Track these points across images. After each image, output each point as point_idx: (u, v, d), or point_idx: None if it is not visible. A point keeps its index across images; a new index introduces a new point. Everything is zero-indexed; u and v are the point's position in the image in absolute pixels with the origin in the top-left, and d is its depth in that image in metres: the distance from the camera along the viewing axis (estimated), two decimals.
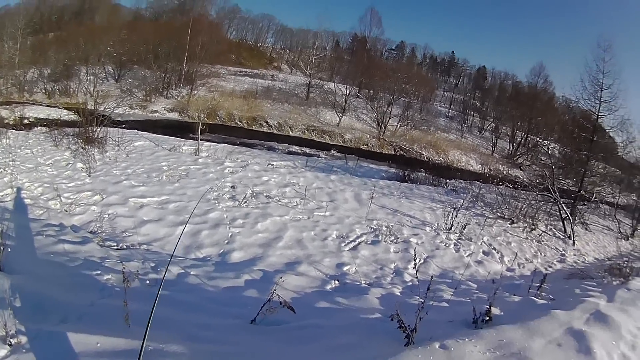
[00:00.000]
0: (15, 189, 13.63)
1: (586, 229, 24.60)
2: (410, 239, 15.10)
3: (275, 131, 39.22)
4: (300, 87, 54.85)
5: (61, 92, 35.11)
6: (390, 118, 43.89)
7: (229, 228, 13.14)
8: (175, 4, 69.72)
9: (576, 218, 23.51)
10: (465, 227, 17.07)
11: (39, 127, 22.56)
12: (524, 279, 13.75)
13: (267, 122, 39.96)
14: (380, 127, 43.06)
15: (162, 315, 4.75)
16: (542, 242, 19.25)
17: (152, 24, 55.89)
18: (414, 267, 11.36)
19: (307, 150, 33.44)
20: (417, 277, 7.00)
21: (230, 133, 33.52)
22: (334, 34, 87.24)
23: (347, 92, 49.40)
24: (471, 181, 30.43)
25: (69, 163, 17.11)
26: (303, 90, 53.11)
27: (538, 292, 9.80)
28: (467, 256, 14.89)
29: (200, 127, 24.31)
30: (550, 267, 16.60)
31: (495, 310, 6.24)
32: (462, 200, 21.94)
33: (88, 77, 37.90)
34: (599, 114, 27.87)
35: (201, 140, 24.05)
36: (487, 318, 6.08)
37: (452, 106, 72.89)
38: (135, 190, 15.04)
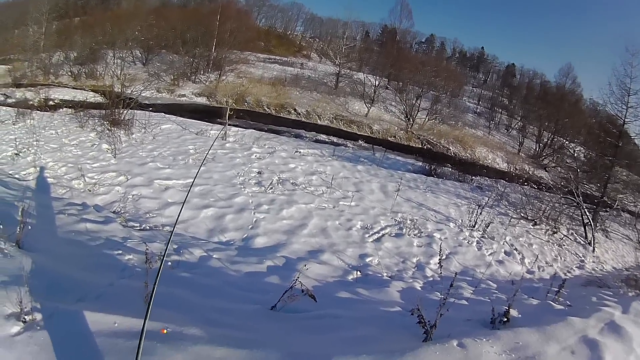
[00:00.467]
0: (38, 169, 13.76)
1: (606, 237, 24.35)
2: (434, 234, 15.07)
3: (303, 119, 39.04)
4: (329, 76, 54.41)
5: (87, 75, 35.22)
6: (418, 111, 43.59)
7: (254, 213, 13.17)
8: None
9: (597, 224, 23.19)
10: (488, 226, 17.01)
11: (64, 109, 22.66)
12: (542, 282, 13.68)
13: (295, 110, 39.78)
14: (409, 119, 42.82)
15: (182, 297, 4.98)
16: (563, 247, 19.10)
17: (179, 10, 56.19)
18: (438, 263, 11.39)
19: (335, 139, 33.21)
20: (441, 273, 6.91)
21: (258, 119, 33.28)
22: (364, 25, 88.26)
23: (377, 83, 49.07)
24: (496, 179, 30.18)
25: (94, 144, 17.21)
26: (332, 79, 52.74)
27: (556, 296, 9.77)
28: (488, 255, 14.81)
29: (228, 112, 24.30)
30: (569, 272, 16.53)
31: (513, 312, 6.24)
32: (486, 198, 21.86)
33: (115, 61, 37.97)
34: (626, 120, 27.27)
35: (229, 125, 24.03)
36: (505, 319, 6.07)
37: (480, 102, 72.22)
38: (161, 173, 15.10)
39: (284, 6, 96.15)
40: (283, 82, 46.28)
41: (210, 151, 18.30)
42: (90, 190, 12.83)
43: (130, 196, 12.70)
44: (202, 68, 42.92)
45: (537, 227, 20.06)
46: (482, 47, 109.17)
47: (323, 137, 33.13)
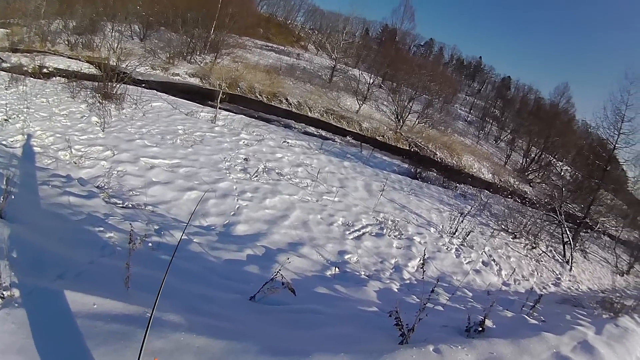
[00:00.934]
0: (26, 136, 13.61)
1: (585, 257, 24.67)
2: (414, 237, 15.20)
3: (294, 109, 38.93)
4: (324, 69, 54.60)
5: (84, 46, 34.88)
6: (409, 113, 43.56)
7: (237, 200, 13.18)
8: None
9: (577, 244, 23.50)
10: (469, 234, 17.15)
11: (58, 77, 22.44)
12: (518, 295, 13.83)
13: (287, 100, 39.66)
14: (399, 120, 42.82)
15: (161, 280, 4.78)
16: (541, 262, 19.35)
17: None
18: (421, 267, 11.59)
19: (324, 132, 33.31)
20: (423, 278, 7.06)
21: (249, 105, 33.41)
22: (365, 22, 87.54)
23: (371, 81, 49.22)
24: (480, 189, 30.43)
25: (84, 116, 17.04)
26: (327, 72, 52.77)
27: (531, 311, 9.81)
28: (466, 263, 14.99)
29: (220, 95, 24.39)
30: (545, 288, 16.76)
31: (488, 323, 6.37)
32: (469, 207, 22.05)
33: (113, 33, 37.74)
34: (616, 145, 27.66)
35: (219, 108, 24.02)
36: (480, 329, 6.20)
37: (472, 111, 72.76)
38: (148, 151, 15.00)
39: None
40: (278, 71, 46.05)
41: (198, 133, 18.53)
42: (75, 163, 12.72)
43: (115, 172, 12.61)
44: (198, 49, 42.55)
45: (517, 240, 20.29)
46: (480, 57, 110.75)
47: (312, 129, 33.24)
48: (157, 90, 25.32)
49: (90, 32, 37.24)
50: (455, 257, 15.12)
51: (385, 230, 14.78)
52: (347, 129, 38.59)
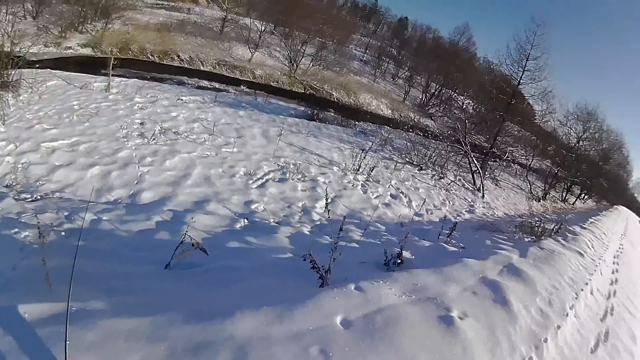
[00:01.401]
0: None
1: (497, 185, 25.91)
2: (318, 178, 15.61)
3: (186, 65, 38.45)
4: (215, 21, 53.73)
5: None
6: (303, 57, 43.99)
7: (138, 167, 13.06)
8: None
9: (486, 173, 24.56)
10: (373, 170, 17.72)
11: None
12: (432, 225, 14.41)
13: (178, 56, 39.10)
14: (292, 65, 43.15)
15: (80, 268, 4.73)
16: (451, 192, 20.22)
17: None
18: (325, 207, 11.87)
19: (217, 85, 33.12)
20: (329, 217, 7.27)
21: (142, 67, 32.57)
22: None
23: (262, 28, 49.11)
24: (380, 125, 31.38)
25: None
26: (218, 24, 52.00)
27: (448, 239, 10.29)
28: (374, 198, 15.52)
29: (111, 62, 23.82)
30: (459, 216, 17.55)
31: (406, 254, 6.69)
32: (370, 143, 22.59)
33: (7, 17, 36.33)
34: (521, 81, 29.22)
35: (113, 75, 23.53)
36: (399, 261, 6.48)
37: (367, 51, 72.88)
38: (47, 134, 14.50)
39: None
40: (168, 28, 45.20)
41: (93, 105, 18.12)
42: None
43: (20, 165, 12.10)
44: (90, 17, 40.36)
45: (424, 172, 21.13)
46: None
47: (205, 83, 32.95)
48: (51, 69, 24.06)
49: None
50: (362, 193, 15.67)
51: (288, 175, 15.10)
52: (241, 78, 38.53)
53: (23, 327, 3.63)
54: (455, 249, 8.81)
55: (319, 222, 11.93)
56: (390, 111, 43.04)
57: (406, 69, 62.15)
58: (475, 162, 23.49)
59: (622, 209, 47.52)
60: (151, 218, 9.35)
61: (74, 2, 39.13)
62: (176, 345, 3.66)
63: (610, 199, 55.23)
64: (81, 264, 5.01)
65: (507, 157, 29.16)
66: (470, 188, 22.45)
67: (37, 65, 22.58)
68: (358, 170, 17.58)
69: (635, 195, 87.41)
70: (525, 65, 28.88)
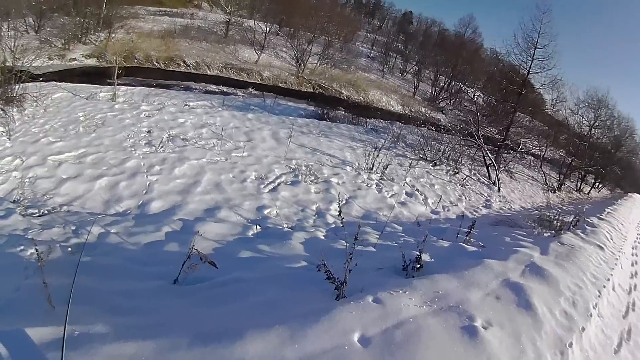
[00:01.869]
0: None
1: (512, 177, 25.55)
2: (331, 179, 15.44)
3: (192, 70, 38.38)
4: (219, 24, 53.70)
5: None
6: (310, 56, 43.81)
7: (147, 176, 12.92)
8: None
9: (501, 165, 24.29)
10: (387, 168, 17.45)
11: None
12: (450, 222, 14.14)
13: (184, 62, 39.07)
14: (300, 65, 43.01)
15: (84, 286, 4.73)
16: (467, 187, 19.85)
17: None
18: (338, 212, 11.42)
19: (225, 88, 33.05)
20: (342, 224, 7.02)
21: (148, 75, 32.63)
22: None
23: (267, 29, 49.12)
24: (392, 121, 31.05)
25: None
26: (222, 28, 52.09)
27: (467, 237, 9.95)
28: (390, 197, 15.27)
29: (116, 71, 23.53)
30: (475, 211, 17.18)
31: (425, 257, 6.40)
32: (383, 140, 22.29)
33: (9, 33, 36.32)
34: (530, 70, 28.97)
35: (118, 84, 23.30)
36: (418, 266, 6.19)
37: (374, 47, 72.71)
38: (53, 147, 14.33)
39: None
40: (172, 34, 45.11)
41: (99, 115, 17.97)
42: None
43: (27, 180, 12.02)
44: (92, 28, 40.62)
45: (438, 167, 20.79)
46: None
47: (213, 87, 32.83)
48: (55, 81, 24.12)
49: None
50: (377, 192, 15.44)
51: (300, 177, 14.93)
52: (248, 80, 38.44)
53: (25, 352, 3.48)
54: (475, 249, 8.54)
55: (334, 225, 11.74)
56: (400, 107, 42.94)
57: (414, 63, 61.95)
58: (490, 155, 23.23)
59: (636, 196, 46.94)
60: (160, 229, 9.14)
61: (75, 14, 39.01)
62: None
63: (623, 187, 54.68)
64: (85, 282, 5.00)
65: (521, 148, 28.78)
66: (486, 182, 22.13)
67: (41, 79, 22.35)
68: (372, 169, 17.34)
69: None
70: (534, 54, 28.63)
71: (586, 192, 38.20)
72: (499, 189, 21.59)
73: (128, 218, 10.02)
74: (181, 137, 16.70)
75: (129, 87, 24.91)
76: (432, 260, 6.93)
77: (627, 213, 23.96)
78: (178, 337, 3.84)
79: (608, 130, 42.01)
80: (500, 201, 20.18)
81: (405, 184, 17.14)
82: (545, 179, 30.12)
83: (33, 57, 23.61)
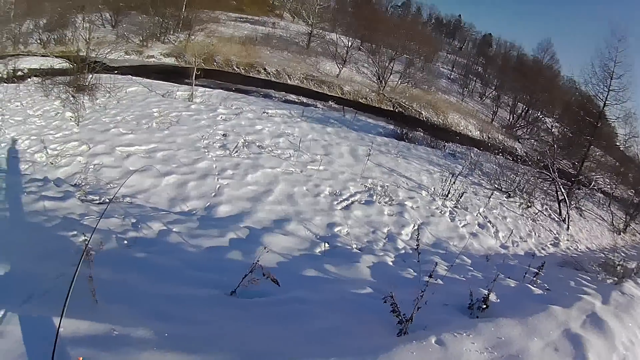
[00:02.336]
0: (2, 145, 13.05)
1: (581, 215, 24.53)
2: (406, 202, 14.94)
3: (272, 79, 38.65)
4: (301, 35, 54.07)
5: (56, 41, 34.32)
6: (391, 74, 43.31)
7: (218, 179, 12.85)
8: None
9: (572, 202, 23.21)
10: (462, 196, 16.89)
11: (31, 78, 21.91)
12: (517, 259, 13.62)
13: (265, 69, 39.38)
14: (381, 82, 42.49)
15: (134, 285, 4.63)
16: (537, 222, 19.08)
17: None
18: (416, 243, 10.74)
19: (304, 99, 32.95)
20: (418, 251, 6.59)
21: (227, 79, 32.98)
22: None
23: (349, 44, 48.85)
24: (469, 147, 30.19)
25: (58, 113, 16.49)
26: (304, 39, 52.38)
27: (534, 278, 9.64)
28: (462, 227, 14.74)
29: (195, 71, 23.93)
30: (543, 249, 16.54)
31: (491, 296, 6.13)
32: (460, 167, 21.83)
33: (84, 25, 37.16)
34: (606, 102, 27.49)
35: (196, 85, 23.60)
36: (485, 306, 5.94)
37: (454, 69, 72.31)
38: (123, 139, 14.54)
39: None
40: (253, 42, 45.60)
41: (174, 113, 18.12)
42: (52, 163, 12.26)
43: (92, 166, 12.19)
44: (171, 28, 41.82)
45: (511, 199, 20.02)
46: (460, 15, 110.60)
47: (292, 97, 32.81)
48: (131, 75, 24.70)
49: (61, 26, 36.67)
50: (449, 220, 14.88)
51: (374, 197, 14.49)
52: (329, 93, 38.44)
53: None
54: (541, 291, 8.01)
55: (403, 251, 11.30)
56: (478, 132, 42.07)
57: (493, 88, 61.28)
58: (562, 190, 22.22)
59: None
60: (225, 234, 8.90)
61: (154, 13, 39.73)
62: None
63: None
64: (135, 280, 4.95)
65: (593, 185, 27.82)
66: (556, 218, 21.27)
67: (117, 72, 22.92)
68: (447, 195, 16.86)
69: None
70: (610, 85, 27.15)
71: None
72: (568, 227, 20.67)
73: (193, 219, 9.94)
74: (257, 144, 16.66)
75: (206, 89, 25.09)
76: (498, 300, 6.61)
77: None
78: (227, 354, 3.61)
79: None
80: (567, 240, 19.31)
81: (479, 214, 16.57)
82: (612, 219, 29.09)
83: (109, 50, 23.99)
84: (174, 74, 29.14)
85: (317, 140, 19.12)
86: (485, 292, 6.15)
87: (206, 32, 43.13)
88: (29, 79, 21.40)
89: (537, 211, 20.30)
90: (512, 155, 28.92)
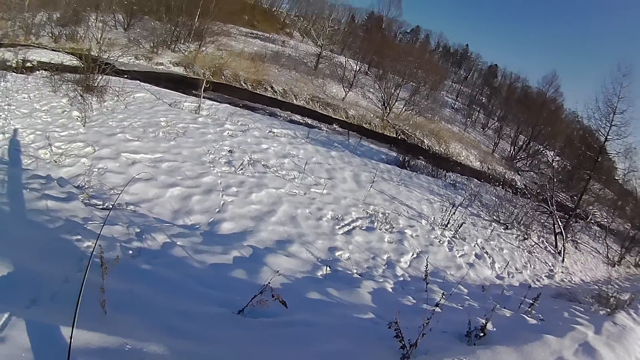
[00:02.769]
0: (6, 135, 13.07)
1: (576, 248, 24.80)
2: (406, 230, 15.02)
3: (279, 97, 38.82)
4: (309, 56, 54.38)
5: (68, 37, 34.49)
6: (396, 101, 43.59)
7: (222, 195, 12.83)
8: None
9: (569, 235, 23.38)
10: (461, 226, 17.01)
11: (40, 71, 21.96)
12: (513, 290, 13.72)
13: (272, 87, 39.47)
14: (385, 108, 42.76)
15: (143, 297, 4.62)
16: (533, 254, 19.33)
17: None
18: (425, 275, 11.19)
19: (310, 121, 33.12)
20: (426, 289, 6.71)
21: (234, 94, 33.08)
22: (351, 9, 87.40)
23: (357, 68, 49.20)
24: (469, 177, 30.39)
25: (65, 110, 16.51)
26: (312, 60, 52.55)
27: (529, 309, 9.75)
28: (459, 257, 14.88)
29: (204, 84, 23.91)
30: (538, 280, 16.81)
31: (488, 325, 6.27)
32: (460, 197, 22.02)
33: (97, 24, 37.31)
34: (608, 137, 27.57)
35: (203, 98, 23.62)
36: (482, 334, 6.10)
37: (458, 98, 73.14)
38: (129, 145, 14.57)
39: None
40: (263, 59, 45.71)
41: (181, 124, 18.17)
42: (56, 162, 12.26)
43: (96, 169, 12.21)
44: (183, 37, 42.01)
45: (509, 231, 20.24)
46: (467, 45, 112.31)
47: (298, 117, 32.92)
48: (140, 81, 24.66)
49: (74, 23, 36.84)
50: (448, 250, 14.98)
51: (376, 224, 14.52)
52: (334, 116, 38.61)
53: (64, 354, 3.02)
54: (535, 322, 8.35)
55: (402, 279, 11.39)
56: (479, 163, 42.40)
57: (496, 119, 61.75)
58: (560, 223, 22.39)
59: None
60: (229, 252, 8.91)
61: (167, 20, 39.94)
62: None
63: None
64: (144, 291, 4.98)
65: (590, 219, 27.90)
66: (552, 251, 21.50)
67: (126, 76, 23.10)
68: (446, 225, 17.02)
69: None
70: (612, 119, 27.25)
71: None
72: (563, 259, 20.90)
73: (196, 233, 9.90)
74: (262, 163, 16.75)
75: (214, 103, 25.24)
76: (495, 329, 6.76)
77: None
78: None
79: None
80: (562, 272, 19.53)
81: (476, 245, 16.73)
82: (608, 252, 29.15)
83: (120, 53, 24.11)
84: (182, 84, 29.33)
85: (322, 164, 19.27)
86: (483, 321, 6.30)
87: (217, 45, 43.48)
88: (37, 72, 21.50)
89: (533, 243, 20.53)
90: (511, 188, 29.15)
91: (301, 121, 31.68)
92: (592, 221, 29.72)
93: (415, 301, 8.27)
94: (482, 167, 40.46)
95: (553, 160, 39.26)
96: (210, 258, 8.23)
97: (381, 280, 10.57)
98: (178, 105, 21.84)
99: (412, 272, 11.62)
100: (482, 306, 7.62)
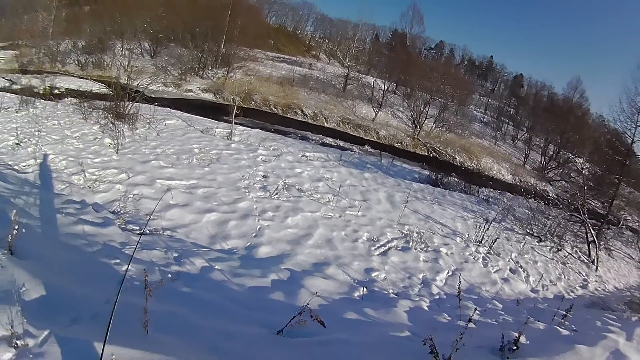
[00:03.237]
0: (38, 161, 13.39)
1: (609, 255, 24.26)
2: (441, 249, 14.82)
3: (310, 120, 39.16)
4: (337, 78, 54.55)
5: (94, 65, 35.13)
6: (426, 118, 43.60)
7: (258, 220, 12.87)
8: None
9: (601, 242, 22.96)
10: (495, 242, 16.80)
11: (69, 99, 22.34)
12: (547, 302, 13.54)
13: (302, 111, 39.82)
14: (416, 126, 42.86)
15: (184, 318, 4.68)
16: (567, 265, 18.98)
17: (190, 3, 55.28)
18: (457, 292, 10.99)
19: (341, 143, 33.28)
20: (459, 304, 6.75)
21: (264, 119, 33.45)
22: (374, 28, 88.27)
23: (385, 87, 49.33)
24: (502, 191, 30.22)
25: (97, 138, 16.85)
26: (340, 81, 52.78)
27: (562, 320, 9.53)
28: (494, 272, 14.64)
29: (234, 110, 24.08)
30: (572, 291, 16.43)
31: (521, 338, 6.18)
32: (493, 213, 21.75)
33: (123, 52, 37.80)
34: (634, 138, 27.28)
35: (235, 123, 23.79)
36: (515, 348, 6.03)
37: (487, 111, 72.80)
38: (164, 172, 14.76)
39: (294, 5, 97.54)
40: (291, 82, 46.16)
41: (215, 151, 18.30)
42: (90, 187, 12.49)
43: (131, 195, 12.39)
44: (210, 63, 42.56)
45: (542, 244, 19.91)
46: (491, 56, 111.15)
47: (329, 140, 33.14)
48: (170, 108, 25.19)
49: (100, 50, 37.56)
50: (482, 266, 14.80)
51: (411, 244, 14.42)
52: (365, 137, 38.79)
53: None
54: (568, 332, 8.09)
55: (437, 297, 11.34)
56: (510, 176, 42.14)
57: (525, 130, 61.28)
58: (592, 231, 21.97)
59: None
60: (267, 275, 9.01)
61: (193, 47, 40.41)
62: None
63: None
64: (187, 314, 5.09)
65: (622, 224, 27.47)
66: (585, 260, 21.10)
67: (156, 103, 23.49)
68: (481, 242, 16.84)
69: None
70: (638, 120, 27.09)
71: None
72: (596, 268, 20.50)
73: (234, 257, 10.03)
74: (297, 187, 16.79)
75: (245, 128, 25.58)
76: (527, 342, 6.59)
77: None
78: None
79: None
80: (596, 281, 19.14)
81: (511, 260, 16.52)
82: None
83: (149, 81, 24.38)
84: (212, 110, 29.66)
85: (356, 186, 19.26)
86: (516, 334, 6.22)
87: (244, 70, 44.07)
88: (66, 99, 22.04)
89: (567, 254, 20.21)
90: (543, 199, 28.73)
91: (333, 144, 31.95)
92: (624, 226, 29.19)
93: (450, 318, 8.23)
94: (514, 180, 40.34)
95: (583, 168, 38.75)
96: (248, 281, 8.31)
97: (417, 299, 10.56)
98: (210, 132, 22.09)
99: (448, 290, 11.55)
100: (517, 320, 7.62)
